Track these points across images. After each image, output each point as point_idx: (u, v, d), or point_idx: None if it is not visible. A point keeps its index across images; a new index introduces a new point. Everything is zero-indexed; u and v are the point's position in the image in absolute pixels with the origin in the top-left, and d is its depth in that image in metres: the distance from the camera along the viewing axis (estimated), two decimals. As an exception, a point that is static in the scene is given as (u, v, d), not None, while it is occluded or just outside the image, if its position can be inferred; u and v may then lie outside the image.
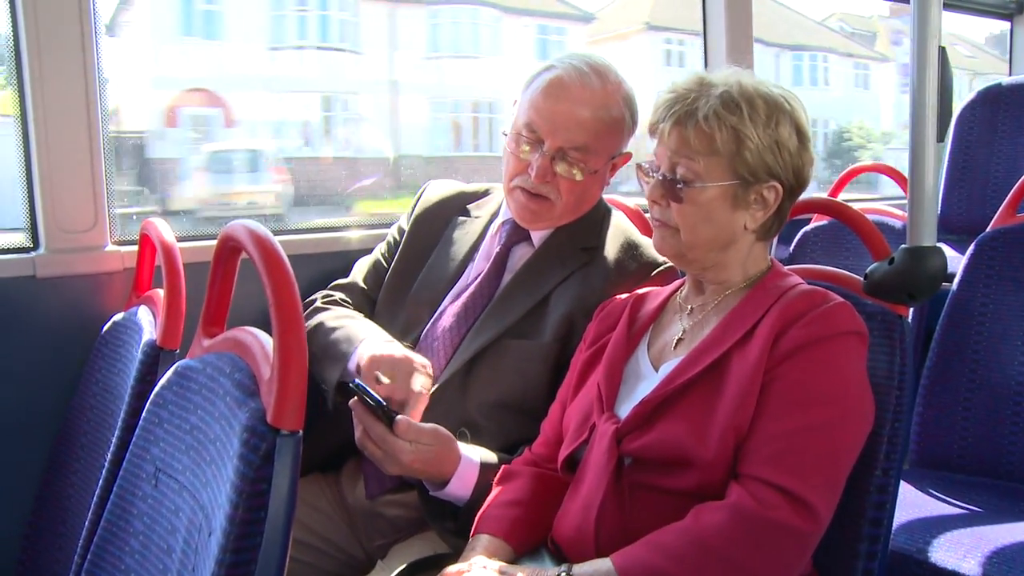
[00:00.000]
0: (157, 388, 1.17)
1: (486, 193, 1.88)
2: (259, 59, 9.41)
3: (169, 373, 1.17)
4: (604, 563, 1.20)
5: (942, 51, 1.40)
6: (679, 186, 1.33)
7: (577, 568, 1.21)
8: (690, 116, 1.32)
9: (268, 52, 9.64)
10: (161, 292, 1.57)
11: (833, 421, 1.22)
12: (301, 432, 0.91)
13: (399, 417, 1.43)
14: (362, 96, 10.04)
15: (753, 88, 1.33)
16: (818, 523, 1.18)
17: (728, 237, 1.35)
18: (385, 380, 1.48)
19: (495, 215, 1.80)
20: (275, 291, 0.92)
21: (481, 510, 1.41)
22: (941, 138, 1.42)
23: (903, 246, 1.41)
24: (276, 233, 1.99)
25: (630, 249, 1.67)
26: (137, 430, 1.18)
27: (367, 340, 1.59)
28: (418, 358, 1.52)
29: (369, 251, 1.90)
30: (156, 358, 1.47)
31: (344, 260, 1.93)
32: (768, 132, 1.31)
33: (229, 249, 1.11)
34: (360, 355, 1.56)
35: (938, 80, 1.40)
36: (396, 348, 1.57)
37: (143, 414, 1.18)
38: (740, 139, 1.30)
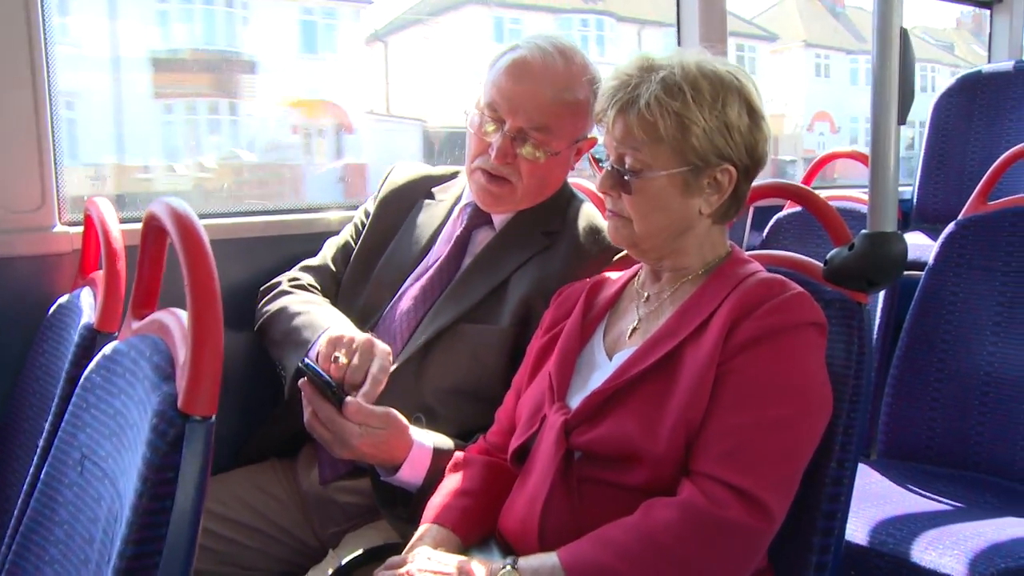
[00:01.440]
0: (86, 372, 1.13)
1: (453, 176, 1.85)
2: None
3: (98, 356, 1.13)
4: (550, 558, 1.16)
5: (904, 33, 1.36)
6: (627, 177, 1.29)
7: (523, 561, 1.18)
8: (632, 104, 1.28)
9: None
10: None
11: (789, 417, 1.19)
12: (213, 419, 0.87)
13: (348, 399, 1.40)
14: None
15: (697, 68, 1.28)
16: (771, 521, 1.15)
17: (683, 224, 1.31)
18: (343, 360, 1.45)
19: (459, 198, 1.77)
20: (191, 272, 0.87)
21: (431, 499, 1.38)
22: (903, 121, 1.39)
23: (863, 231, 1.38)
24: (244, 215, 2.00)
25: (592, 234, 1.64)
26: (66, 415, 1.14)
27: (332, 328, 1.55)
28: (380, 344, 1.49)
29: (337, 232, 1.87)
30: (93, 341, 1.42)
31: (310, 243, 1.89)
32: (715, 114, 1.27)
33: (155, 229, 1.06)
34: (319, 344, 1.53)
35: (900, 63, 1.37)
36: (358, 332, 1.53)
37: (72, 398, 1.14)
38: (685, 125, 1.26)
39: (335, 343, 1.48)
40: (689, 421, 1.18)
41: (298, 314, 1.63)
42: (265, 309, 1.71)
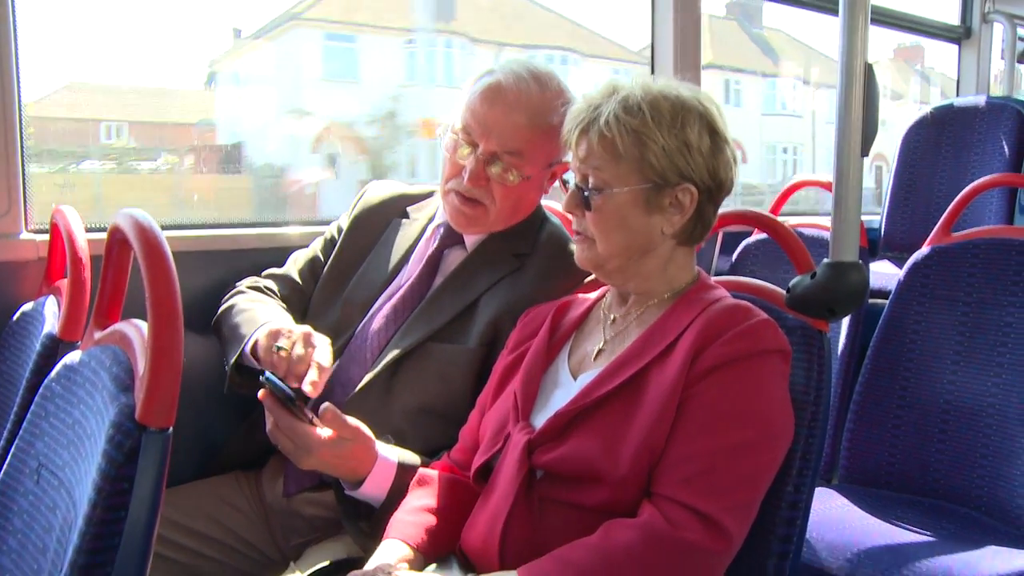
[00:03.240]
0: (46, 381, 1.13)
1: (428, 195, 1.85)
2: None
3: (59, 366, 1.12)
4: (510, 574, 1.17)
5: (868, 67, 1.40)
6: (588, 194, 1.31)
7: None
8: (593, 123, 1.30)
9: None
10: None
11: (751, 442, 1.20)
12: (170, 430, 0.87)
13: (326, 405, 1.41)
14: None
15: (658, 91, 1.31)
16: (730, 544, 1.16)
17: (644, 243, 1.33)
18: (285, 351, 1.46)
19: (432, 218, 1.78)
20: (152, 283, 0.88)
21: (394, 515, 1.38)
22: (866, 152, 1.42)
23: (825, 260, 1.40)
24: (210, 227, 2.00)
25: (562, 257, 1.65)
26: (24, 423, 1.14)
27: (269, 323, 1.56)
28: (318, 335, 1.51)
29: (305, 247, 1.87)
30: (55, 350, 1.42)
31: (278, 256, 1.89)
32: (674, 133, 1.29)
33: (118, 240, 1.06)
34: (257, 336, 1.53)
35: (863, 96, 1.40)
36: (296, 325, 1.54)
37: (31, 407, 1.13)
38: (643, 142, 1.28)
39: (274, 335, 1.49)
40: (652, 445, 1.19)
41: (243, 311, 1.65)
42: (219, 308, 1.73)
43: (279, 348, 1.46)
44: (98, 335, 1.11)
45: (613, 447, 1.21)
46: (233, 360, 1.56)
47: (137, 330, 0.99)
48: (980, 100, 3.26)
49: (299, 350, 1.45)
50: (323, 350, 1.46)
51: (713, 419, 1.19)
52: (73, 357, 1.10)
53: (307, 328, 1.50)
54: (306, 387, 1.41)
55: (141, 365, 0.91)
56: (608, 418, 1.24)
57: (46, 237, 1.76)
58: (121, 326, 1.04)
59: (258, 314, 1.61)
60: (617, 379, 1.26)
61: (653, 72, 2.82)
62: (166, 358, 0.86)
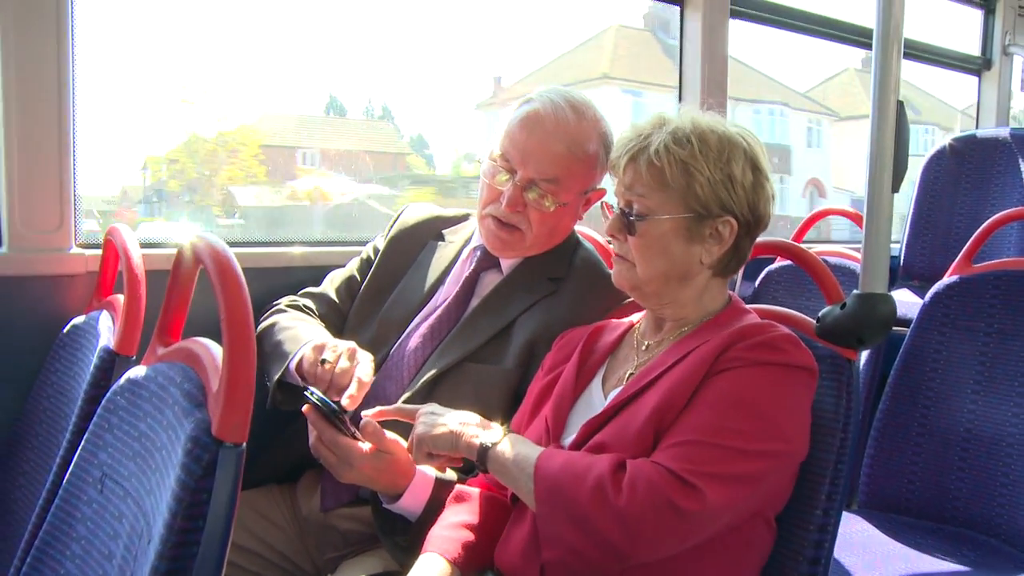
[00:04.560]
0: (109, 394, 1.18)
1: (464, 218, 1.90)
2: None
3: (122, 379, 1.17)
4: (536, 449, 1.30)
5: (900, 105, 1.44)
6: (632, 219, 1.36)
7: (513, 435, 1.34)
8: (642, 152, 1.36)
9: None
10: (122, 298, 1.57)
11: (751, 432, 1.23)
12: (244, 445, 0.92)
13: (367, 419, 1.45)
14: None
15: (707, 125, 1.36)
16: (704, 506, 1.17)
17: (683, 270, 1.38)
18: (330, 364, 1.51)
19: (468, 240, 1.83)
20: (227, 305, 0.93)
21: (432, 529, 1.42)
22: (896, 188, 1.46)
23: (855, 292, 1.44)
24: (249, 244, 2.06)
25: (596, 281, 1.69)
26: (86, 434, 1.18)
27: (314, 339, 1.60)
28: (362, 351, 1.55)
29: (342, 266, 1.92)
30: (112, 363, 1.47)
31: (316, 274, 1.94)
32: (720, 167, 1.34)
33: (188, 260, 1.12)
34: (303, 351, 1.58)
35: (895, 133, 1.44)
36: (341, 340, 1.59)
37: (94, 418, 1.18)
38: (690, 173, 1.33)
39: (320, 349, 1.54)
40: (660, 423, 1.25)
41: (286, 329, 1.69)
42: (259, 327, 1.77)
43: (324, 361, 1.50)
44: (161, 351, 1.16)
45: (625, 432, 1.27)
46: (277, 376, 1.60)
47: (205, 348, 1.04)
48: (1001, 132, 3.30)
49: (343, 364, 1.50)
50: (365, 365, 1.51)
51: (718, 403, 1.24)
52: (137, 372, 1.15)
53: (352, 343, 1.55)
54: (344, 400, 1.46)
55: (214, 382, 0.96)
56: (627, 413, 1.30)
57: (94, 252, 1.82)
58: (187, 344, 1.09)
59: (301, 332, 1.66)
60: (639, 384, 1.32)
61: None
62: (241, 376, 0.91)
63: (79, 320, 1.72)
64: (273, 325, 1.72)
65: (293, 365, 1.58)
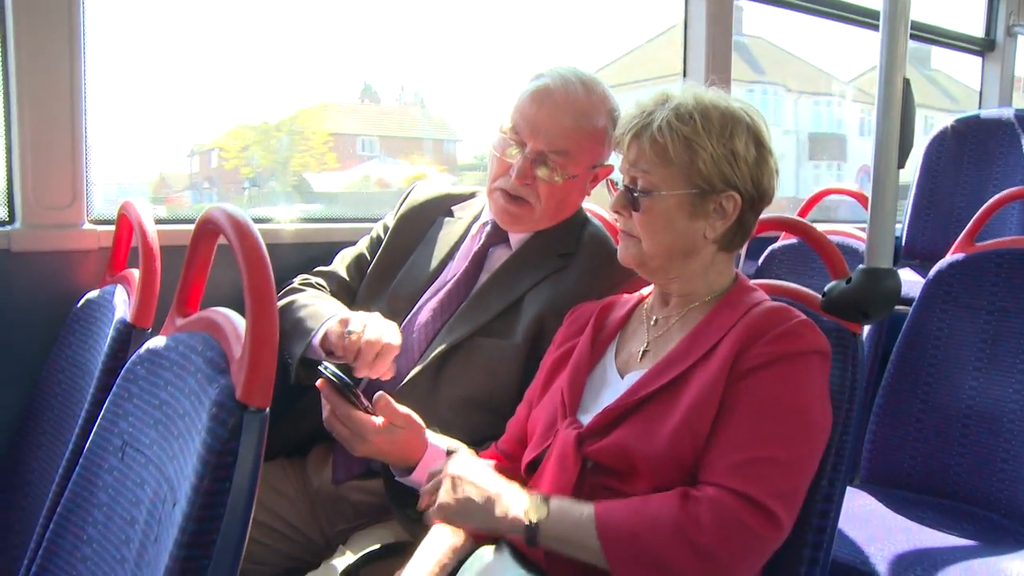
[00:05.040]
0: (128, 364, 1.20)
1: (472, 196, 1.92)
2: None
3: (141, 349, 1.19)
4: (586, 507, 1.23)
5: (906, 83, 1.45)
6: (637, 195, 1.37)
7: (556, 501, 1.25)
8: (645, 128, 1.36)
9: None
10: (136, 272, 1.59)
11: (794, 435, 1.25)
12: (268, 410, 0.94)
13: (379, 393, 1.47)
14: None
15: (709, 101, 1.37)
16: (780, 532, 1.21)
17: (688, 246, 1.39)
18: (357, 332, 1.53)
19: (477, 216, 1.85)
20: (250, 272, 0.95)
21: None
22: (902, 165, 1.47)
23: (860, 266, 1.46)
24: (259, 221, 2.08)
25: (605, 257, 1.71)
26: (106, 404, 1.20)
27: (337, 314, 1.63)
28: (386, 320, 1.58)
29: (353, 243, 1.94)
30: (128, 336, 1.49)
31: (327, 251, 1.96)
32: (722, 142, 1.35)
33: (207, 232, 1.14)
34: (327, 326, 1.60)
35: (902, 110, 1.45)
36: (366, 313, 1.61)
37: (113, 388, 1.20)
38: (693, 149, 1.34)
39: (345, 322, 1.56)
40: (692, 433, 1.25)
41: (305, 306, 1.71)
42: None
43: (350, 332, 1.52)
44: (180, 321, 1.18)
45: (652, 438, 1.27)
46: (301, 352, 1.62)
47: (226, 318, 1.06)
48: (1004, 112, 3.31)
49: (370, 335, 1.52)
50: (392, 335, 1.54)
51: (756, 411, 1.25)
52: (157, 342, 1.17)
53: (377, 314, 1.58)
54: (376, 374, 1.50)
55: (236, 349, 0.98)
56: (651, 413, 1.30)
57: (106, 228, 1.84)
58: (208, 313, 1.11)
59: (322, 308, 1.68)
60: (663, 378, 1.32)
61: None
62: (264, 342, 0.93)
63: (93, 294, 1.74)
64: (291, 303, 1.74)
65: (317, 340, 1.60)
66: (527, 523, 1.23)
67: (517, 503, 1.25)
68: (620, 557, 1.19)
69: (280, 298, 1.79)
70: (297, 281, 1.85)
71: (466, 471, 1.31)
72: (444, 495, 1.29)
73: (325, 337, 1.60)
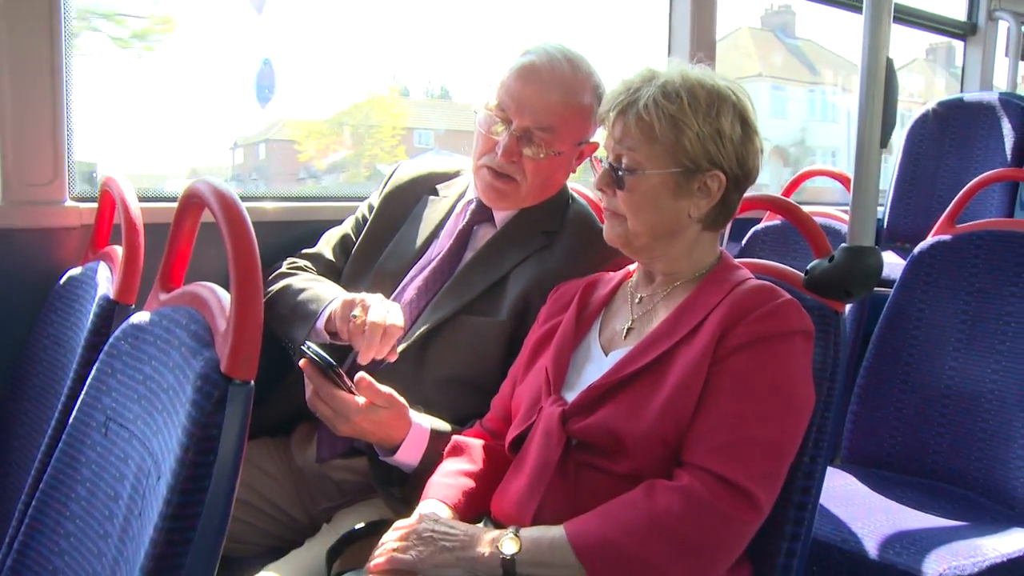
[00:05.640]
0: (112, 339, 1.19)
1: (457, 174, 1.91)
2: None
3: (125, 325, 1.19)
4: (553, 529, 1.23)
5: (889, 62, 1.46)
6: (622, 173, 1.37)
7: (525, 531, 1.24)
8: (631, 106, 1.36)
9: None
10: (119, 249, 1.58)
11: (774, 414, 1.26)
12: (252, 383, 0.94)
13: (360, 374, 1.48)
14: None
15: (696, 79, 1.37)
16: (760, 513, 1.23)
17: (672, 224, 1.39)
18: (360, 316, 1.53)
19: (462, 195, 1.84)
20: (234, 245, 0.95)
21: (431, 478, 1.44)
22: (884, 144, 1.49)
23: (843, 245, 1.47)
24: (244, 199, 2.06)
25: (589, 235, 1.71)
26: (89, 380, 1.20)
27: (338, 298, 1.62)
28: (389, 301, 1.58)
29: (338, 222, 1.93)
30: (111, 312, 1.48)
31: (312, 230, 1.95)
32: (709, 121, 1.34)
33: (191, 206, 1.13)
34: (331, 308, 1.60)
35: (885, 90, 1.46)
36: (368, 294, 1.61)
37: (96, 364, 1.20)
38: (679, 127, 1.33)
39: (349, 305, 1.56)
40: (676, 414, 1.26)
41: (302, 290, 1.70)
42: (268, 290, 1.77)
43: (354, 315, 1.52)
44: (164, 297, 1.18)
45: (638, 417, 1.28)
46: (304, 336, 1.62)
47: (210, 291, 1.05)
48: (985, 96, 3.34)
49: (374, 316, 1.52)
50: (396, 316, 1.54)
51: (739, 391, 1.26)
52: (140, 317, 1.16)
53: (380, 296, 1.58)
54: (380, 355, 1.50)
55: (221, 322, 0.98)
56: (636, 391, 1.31)
57: (89, 205, 1.82)
58: (192, 288, 1.10)
59: (320, 291, 1.68)
60: (648, 356, 1.33)
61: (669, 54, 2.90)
62: (249, 314, 0.93)
63: (75, 272, 1.73)
64: (287, 287, 1.73)
65: (321, 323, 1.60)
66: (503, 558, 1.22)
67: (489, 541, 1.24)
68: (602, 568, 1.20)
69: (271, 283, 1.78)
70: (285, 265, 1.84)
71: (432, 521, 1.29)
72: (415, 552, 1.25)
73: (329, 319, 1.59)
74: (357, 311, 1.54)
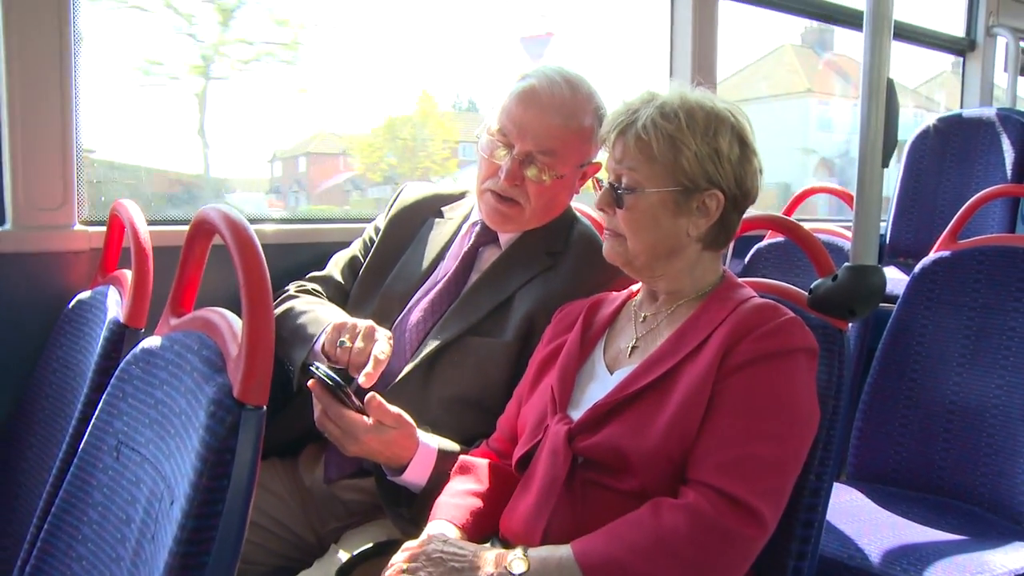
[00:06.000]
0: (123, 363, 1.20)
1: (461, 196, 1.93)
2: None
3: (136, 349, 1.20)
4: (560, 549, 1.24)
5: (889, 82, 1.47)
6: (621, 192, 1.39)
7: (533, 551, 1.25)
8: (630, 126, 1.38)
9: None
10: (128, 273, 1.60)
11: (781, 432, 1.27)
12: (265, 408, 0.96)
13: (371, 393, 1.48)
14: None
15: (695, 100, 1.39)
16: (765, 530, 1.23)
17: (672, 244, 1.40)
18: (348, 344, 1.53)
19: (467, 217, 1.86)
20: (245, 271, 0.96)
21: (439, 498, 1.45)
22: (886, 164, 1.50)
23: (846, 264, 1.48)
24: (252, 222, 2.08)
25: (593, 255, 1.71)
26: (100, 404, 1.21)
27: (334, 320, 1.63)
28: (381, 329, 1.58)
29: (345, 244, 1.94)
30: (121, 336, 1.49)
31: (318, 252, 1.97)
32: (706, 141, 1.36)
33: (202, 232, 1.14)
34: (326, 330, 1.61)
35: (886, 110, 1.47)
36: (360, 320, 1.61)
37: (108, 388, 1.21)
38: (677, 147, 1.35)
39: (339, 329, 1.57)
40: (681, 432, 1.27)
41: (303, 312, 1.71)
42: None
43: (342, 343, 1.53)
44: (175, 321, 1.19)
45: (643, 435, 1.29)
46: (301, 359, 1.63)
47: (222, 317, 1.07)
48: (985, 111, 3.36)
49: (360, 343, 1.53)
50: (383, 343, 1.54)
51: (744, 409, 1.27)
52: (152, 342, 1.17)
53: (369, 322, 1.58)
54: (361, 378, 1.49)
55: (232, 348, 0.99)
56: (641, 410, 1.32)
57: (97, 229, 1.84)
58: (203, 313, 1.12)
59: (321, 314, 1.69)
60: (652, 374, 1.33)
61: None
62: (261, 341, 0.94)
63: (85, 295, 1.74)
64: (289, 310, 1.74)
65: (319, 346, 1.61)
66: None
67: (497, 561, 1.25)
68: None
69: (277, 305, 1.79)
70: (293, 288, 1.85)
71: (441, 542, 1.29)
72: (424, 573, 1.25)
73: (323, 344, 1.60)
74: (345, 337, 1.55)
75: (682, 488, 1.26)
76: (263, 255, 0.98)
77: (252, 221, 2.02)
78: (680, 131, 1.35)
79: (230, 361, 0.99)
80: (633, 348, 1.43)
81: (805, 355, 1.33)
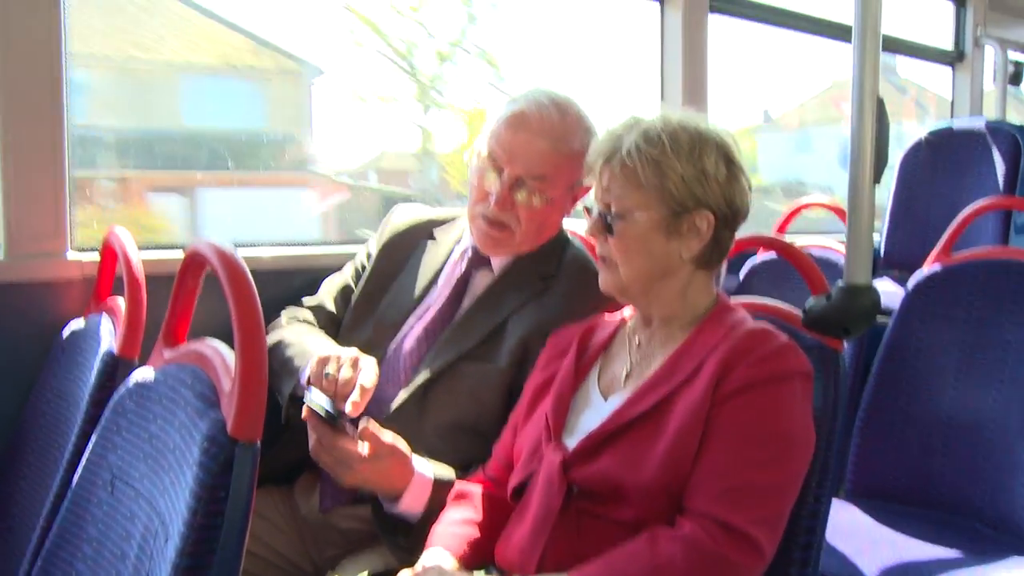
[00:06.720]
0: (117, 396, 1.20)
1: (453, 219, 1.92)
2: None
3: (130, 382, 1.19)
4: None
5: (879, 101, 1.48)
6: (610, 220, 1.39)
7: None
8: (615, 153, 1.38)
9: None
10: (121, 300, 1.59)
11: (776, 459, 1.26)
12: (259, 443, 0.95)
13: (365, 421, 1.48)
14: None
15: (677, 122, 1.39)
16: (763, 559, 1.22)
17: (665, 267, 1.40)
18: (333, 374, 1.52)
19: (459, 241, 1.85)
20: (238, 307, 0.95)
21: (435, 526, 1.44)
22: (877, 180, 1.50)
23: (839, 284, 1.48)
24: (242, 247, 2.07)
25: (586, 279, 1.70)
26: (94, 437, 1.20)
27: (319, 352, 1.62)
28: (365, 357, 1.56)
29: (336, 268, 1.94)
30: (115, 367, 1.48)
31: (310, 278, 1.96)
32: (692, 162, 1.36)
33: (195, 264, 1.14)
34: (311, 363, 1.60)
35: (875, 129, 1.48)
36: (345, 349, 1.60)
37: (101, 421, 1.20)
38: (663, 171, 1.35)
39: (323, 362, 1.55)
40: (676, 461, 1.26)
41: (291, 344, 1.71)
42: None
43: (327, 375, 1.52)
44: (168, 354, 1.19)
45: (639, 466, 1.28)
46: (288, 392, 1.63)
47: (214, 349, 1.06)
48: (976, 123, 3.37)
49: (346, 373, 1.52)
50: (368, 372, 1.53)
51: (738, 436, 1.26)
52: (145, 375, 1.17)
53: (355, 351, 1.57)
54: (347, 407, 1.48)
55: (226, 383, 0.99)
56: (636, 439, 1.31)
57: (90, 256, 1.83)
58: (196, 345, 1.11)
59: (308, 346, 1.68)
60: (647, 401, 1.33)
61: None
62: (254, 377, 0.94)
63: (78, 324, 1.73)
64: (279, 342, 1.74)
65: (304, 379, 1.61)
66: None
67: None
68: None
69: (268, 334, 1.78)
70: (284, 317, 1.84)
71: (437, 571, 1.30)
72: None
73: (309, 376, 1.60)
74: (330, 368, 1.53)
75: (678, 518, 1.25)
76: (255, 288, 0.98)
77: (245, 246, 2.05)
78: (664, 155, 1.35)
79: (223, 396, 0.99)
80: (628, 374, 1.43)
81: (800, 380, 1.32)
